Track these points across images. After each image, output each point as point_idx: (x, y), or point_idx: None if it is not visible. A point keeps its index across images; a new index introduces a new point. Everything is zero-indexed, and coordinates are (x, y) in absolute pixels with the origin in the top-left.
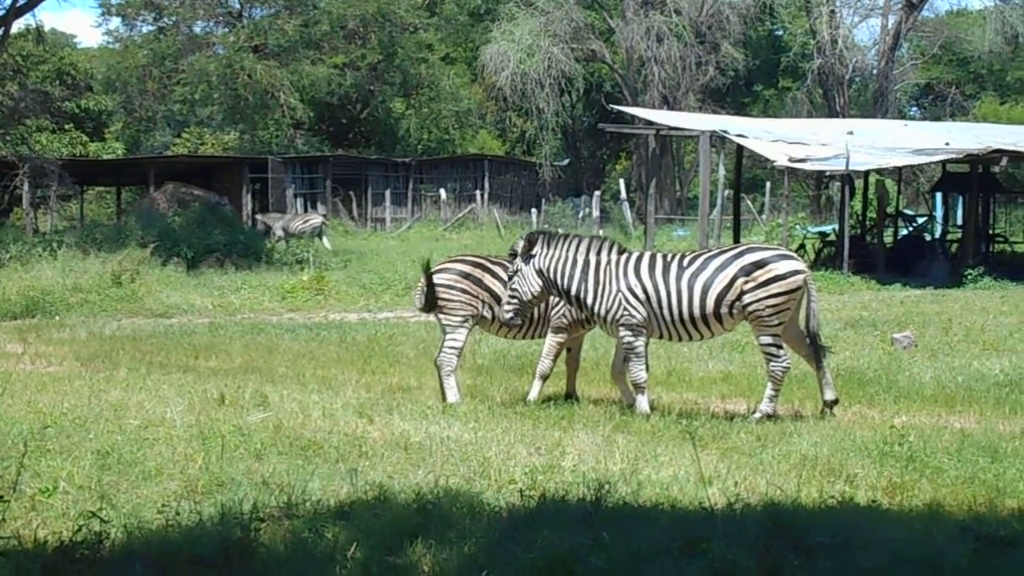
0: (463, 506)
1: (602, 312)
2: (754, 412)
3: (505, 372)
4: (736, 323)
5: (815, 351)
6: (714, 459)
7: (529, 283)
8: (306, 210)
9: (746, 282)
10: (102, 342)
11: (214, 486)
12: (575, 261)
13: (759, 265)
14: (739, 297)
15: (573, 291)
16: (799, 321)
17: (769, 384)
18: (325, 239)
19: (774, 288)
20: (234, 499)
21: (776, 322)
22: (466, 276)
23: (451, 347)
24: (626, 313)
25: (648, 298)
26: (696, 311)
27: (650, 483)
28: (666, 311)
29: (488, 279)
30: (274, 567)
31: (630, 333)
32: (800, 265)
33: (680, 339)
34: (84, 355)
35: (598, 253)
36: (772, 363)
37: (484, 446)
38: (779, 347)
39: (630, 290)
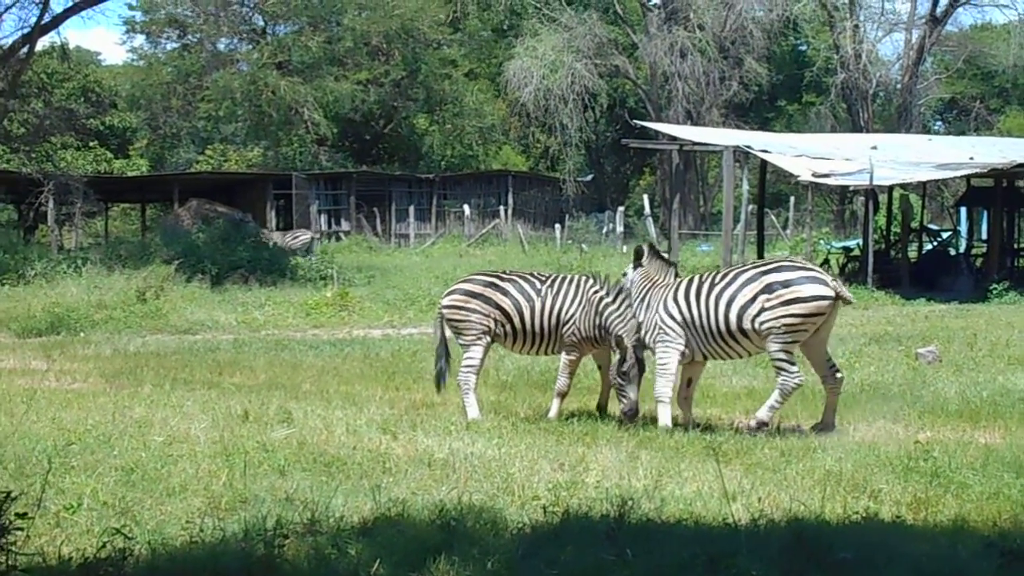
0: (486, 522)
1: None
2: (751, 418)
3: (529, 388)
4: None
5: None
6: (738, 475)
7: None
8: (330, 226)
9: (768, 299)
10: (126, 359)
11: (238, 503)
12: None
13: (785, 284)
14: (759, 312)
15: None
16: (824, 343)
17: (775, 392)
18: (312, 256)
19: (794, 309)
20: (258, 516)
21: (789, 340)
22: (475, 296)
23: (467, 366)
24: (661, 332)
25: (684, 317)
26: (722, 326)
27: (673, 499)
28: (697, 327)
29: (498, 296)
30: None
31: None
32: (827, 291)
33: (717, 356)
34: (109, 372)
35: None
36: (782, 376)
37: (508, 462)
38: (791, 363)
39: (667, 311)
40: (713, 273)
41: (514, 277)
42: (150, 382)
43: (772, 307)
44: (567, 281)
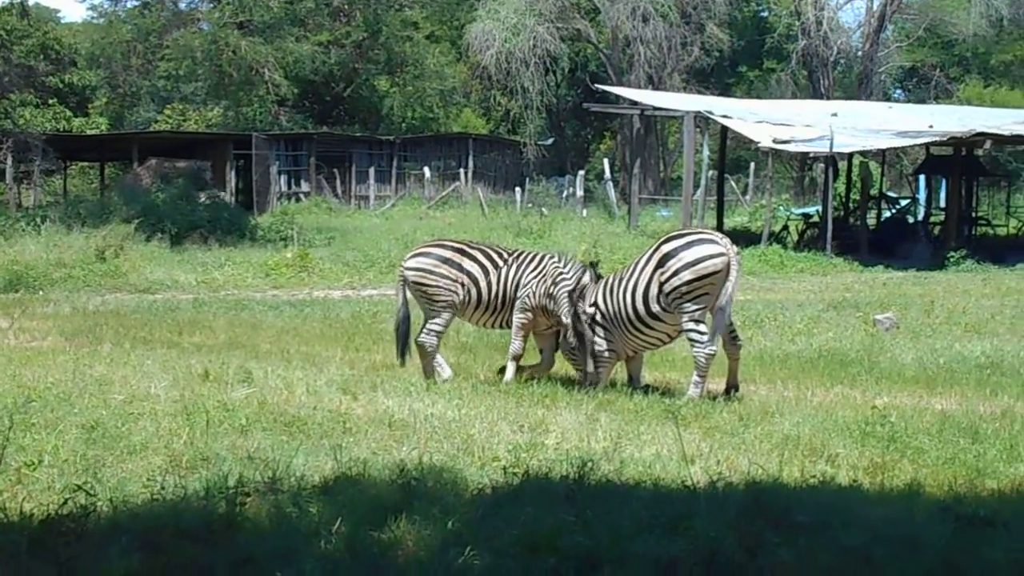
0: (447, 483)
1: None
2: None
3: (489, 350)
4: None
5: (718, 328)
6: (696, 438)
7: None
8: (290, 187)
9: (662, 274)
10: (86, 317)
11: (199, 461)
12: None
13: (670, 256)
14: (659, 290)
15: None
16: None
17: (694, 370)
18: None
19: (685, 275)
20: (219, 474)
21: (693, 308)
22: (445, 260)
23: (433, 329)
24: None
25: (604, 316)
26: (633, 316)
27: (633, 461)
28: (617, 324)
29: (468, 263)
30: (259, 541)
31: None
32: (716, 249)
33: (647, 347)
34: (68, 330)
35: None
36: (695, 349)
37: (468, 423)
38: (701, 333)
39: (591, 317)
40: (623, 267)
41: (480, 246)
42: (110, 341)
43: (666, 279)
44: (531, 255)
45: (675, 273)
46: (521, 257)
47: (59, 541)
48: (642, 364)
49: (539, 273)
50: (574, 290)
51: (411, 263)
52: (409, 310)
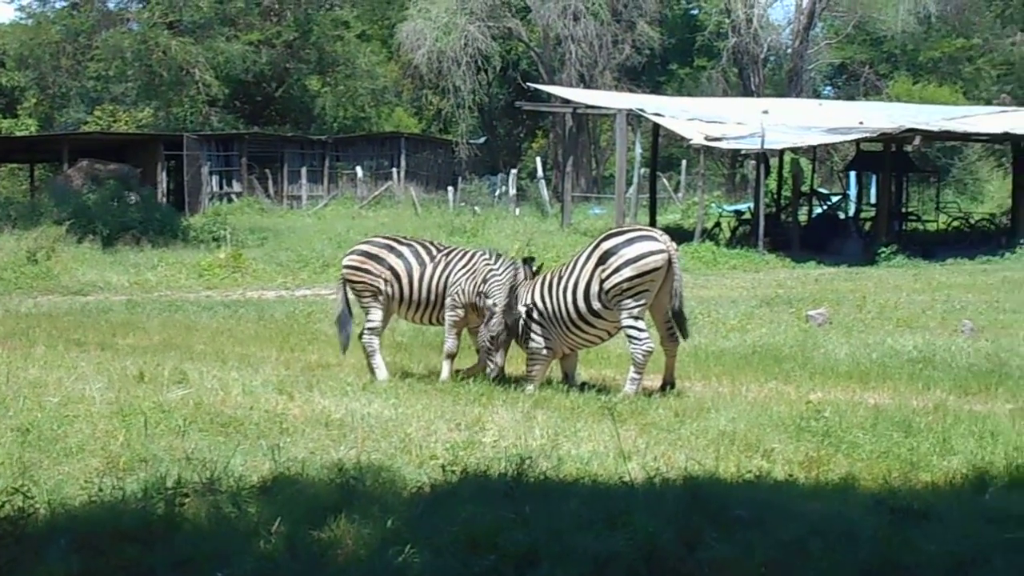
0: (385, 482)
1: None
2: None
3: (424, 349)
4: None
5: (678, 328)
6: (633, 434)
7: None
8: (222, 188)
9: (602, 271)
10: (18, 320)
11: (136, 462)
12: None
13: (611, 253)
14: (600, 287)
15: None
16: (668, 304)
17: (631, 366)
18: None
19: (626, 272)
20: (157, 475)
21: (633, 304)
22: (370, 256)
23: (369, 328)
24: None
25: (541, 315)
26: (574, 314)
27: (570, 458)
28: (556, 321)
29: (392, 258)
30: (198, 542)
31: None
32: (656, 245)
33: (585, 344)
34: (0, 333)
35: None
36: (632, 345)
37: (405, 422)
38: (640, 329)
39: (527, 314)
40: (561, 265)
41: (412, 242)
42: (42, 343)
43: (607, 276)
44: (463, 252)
45: (616, 270)
46: (452, 254)
47: None
48: (577, 362)
49: (470, 270)
50: (511, 286)
51: (344, 260)
52: (348, 308)
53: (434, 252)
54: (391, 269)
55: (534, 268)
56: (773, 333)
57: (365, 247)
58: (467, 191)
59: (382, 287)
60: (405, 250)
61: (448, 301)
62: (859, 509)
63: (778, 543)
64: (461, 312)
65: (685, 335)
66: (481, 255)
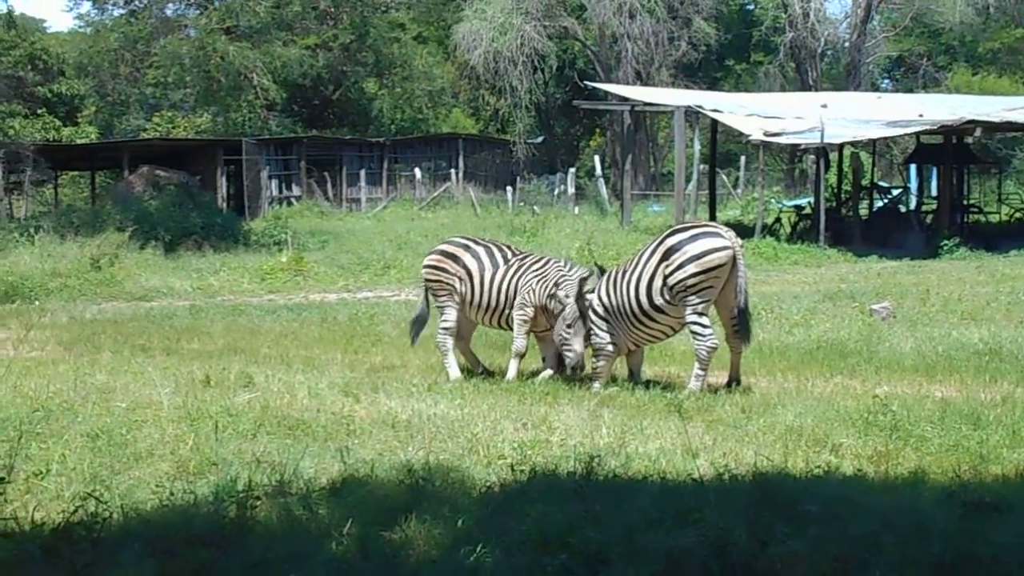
0: (454, 482)
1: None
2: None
3: (488, 349)
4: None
5: (742, 329)
6: (700, 431)
7: None
8: (281, 192)
9: (666, 267)
10: (83, 326)
11: (206, 466)
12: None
13: (675, 249)
14: (663, 283)
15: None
16: (730, 297)
17: (696, 363)
18: None
19: (691, 268)
20: (227, 479)
21: (698, 301)
22: (448, 256)
23: (443, 328)
24: (592, 334)
25: (607, 309)
26: (636, 309)
27: (638, 456)
28: (620, 317)
29: (468, 258)
30: (270, 544)
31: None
32: (721, 242)
33: (649, 341)
34: (66, 339)
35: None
36: (697, 342)
37: (471, 422)
38: (704, 326)
39: (592, 308)
40: (625, 261)
41: (489, 244)
42: (109, 349)
43: (671, 272)
44: (537, 258)
45: (680, 266)
46: (526, 259)
47: (73, 549)
48: (643, 359)
49: (542, 274)
50: (580, 289)
51: (424, 259)
52: (427, 309)
53: (508, 255)
54: (465, 268)
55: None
56: (837, 328)
57: (444, 246)
58: (526, 191)
59: (457, 286)
60: (481, 251)
61: (518, 300)
62: (930, 503)
63: (850, 538)
64: (530, 311)
65: (748, 338)
66: (555, 262)
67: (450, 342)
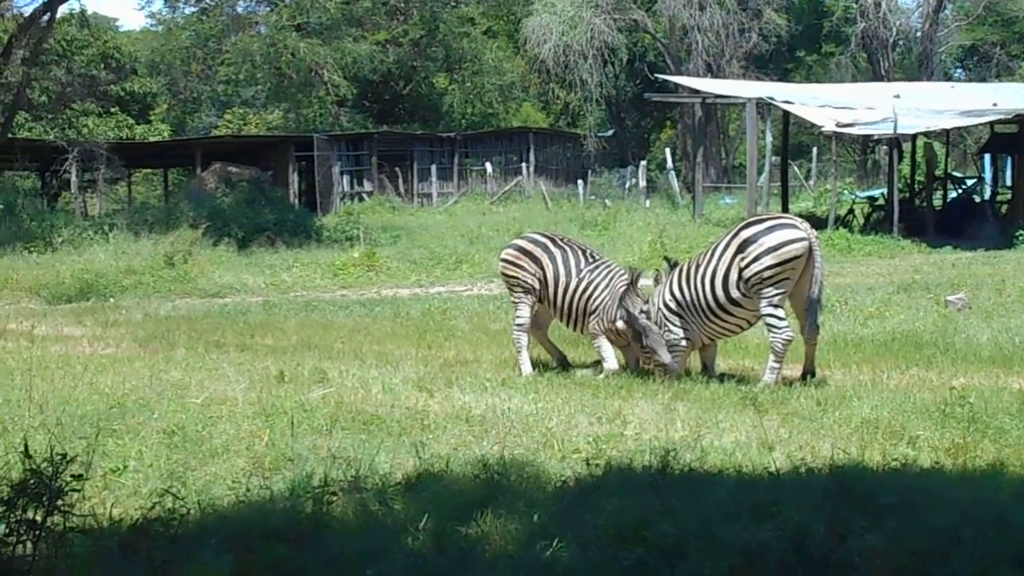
0: (529, 476)
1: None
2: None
3: (561, 344)
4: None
5: (811, 316)
6: (775, 424)
7: None
8: (352, 187)
9: (742, 259)
10: (158, 323)
11: (282, 462)
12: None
13: (751, 241)
14: (739, 275)
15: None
16: (805, 289)
17: (771, 355)
18: None
19: (767, 260)
20: (303, 474)
21: (773, 293)
22: (525, 253)
23: (517, 324)
24: (665, 329)
25: (680, 304)
26: (712, 303)
27: (713, 449)
28: (694, 311)
29: (545, 260)
30: (347, 540)
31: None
32: (797, 233)
33: (725, 334)
34: (141, 336)
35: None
36: (771, 334)
37: (545, 417)
38: (780, 318)
39: (665, 303)
40: (698, 254)
41: (567, 246)
42: (183, 346)
43: (747, 265)
44: (606, 270)
45: (756, 258)
46: (597, 270)
47: (151, 545)
48: (716, 353)
49: (611, 291)
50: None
51: (502, 253)
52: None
53: (582, 265)
54: (542, 270)
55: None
56: (912, 319)
57: (522, 243)
58: (597, 184)
59: (533, 285)
60: (559, 255)
61: (591, 328)
62: (1009, 495)
63: (929, 531)
64: (605, 341)
65: (816, 327)
66: (620, 275)
67: (524, 339)
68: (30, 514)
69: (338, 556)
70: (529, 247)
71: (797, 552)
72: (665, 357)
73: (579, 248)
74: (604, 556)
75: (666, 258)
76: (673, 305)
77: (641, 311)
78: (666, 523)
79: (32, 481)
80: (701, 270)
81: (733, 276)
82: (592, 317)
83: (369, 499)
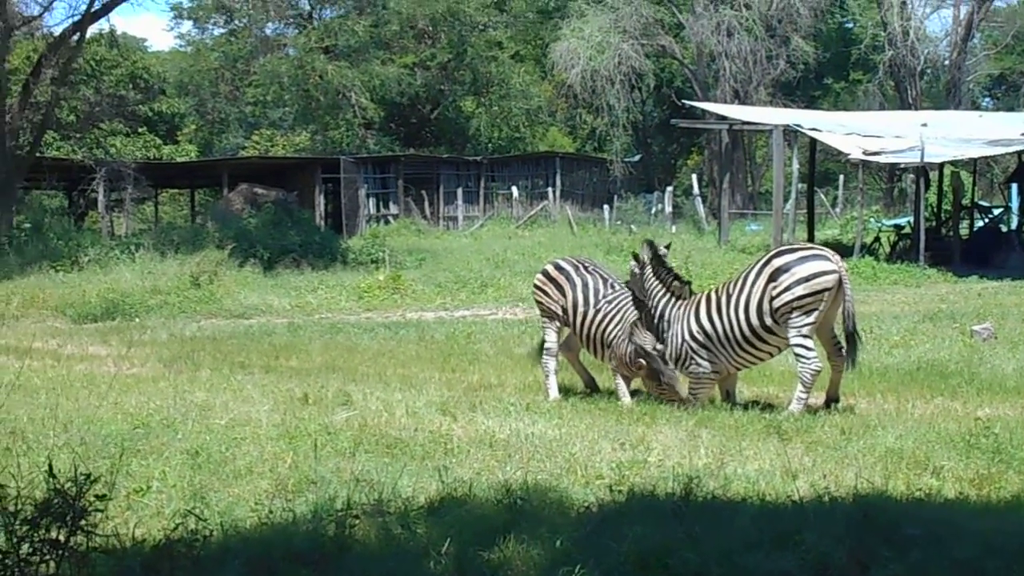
0: (552, 501)
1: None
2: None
3: (592, 368)
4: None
5: (850, 355)
6: (799, 453)
7: None
8: (378, 210)
9: (774, 287)
10: (183, 343)
11: (305, 484)
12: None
13: (782, 270)
14: (770, 304)
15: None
16: (835, 321)
17: (798, 384)
18: None
19: (798, 290)
20: (326, 497)
21: (803, 323)
22: (551, 279)
23: (545, 349)
24: (691, 361)
25: (709, 336)
26: (747, 332)
27: (737, 477)
28: (725, 342)
29: (568, 288)
30: (369, 563)
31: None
32: (829, 265)
33: (754, 363)
34: (166, 356)
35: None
36: (800, 364)
37: (569, 442)
38: (809, 348)
39: (691, 335)
40: (726, 283)
41: (591, 273)
42: (208, 366)
43: (779, 294)
44: (621, 301)
45: (788, 288)
46: (613, 303)
47: (173, 566)
48: (736, 379)
49: (622, 327)
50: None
51: (535, 277)
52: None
53: (601, 295)
54: (565, 297)
55: (689, 288)
56: (937, 348)
57: (549, 268)
58: (623, 209)
59: (558, 312)
60: (579, 282)
61: (611, 366)
62: None
63: (953, 562)
64: (624, 379)
65: (854, 362)
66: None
67: (552, 363)
68: (53, 534)
69: None
70: (554, 273)
71: None
72: (683, 392)
73: (602, 277)
74: None
75: (649, 242)
76: (701, 337)
77: (655, 349)
78: (688, 551)
79: (56, 501)
80: (732, 300)
81: (766, 305)
82: (607, 349)
83: (392, 523)
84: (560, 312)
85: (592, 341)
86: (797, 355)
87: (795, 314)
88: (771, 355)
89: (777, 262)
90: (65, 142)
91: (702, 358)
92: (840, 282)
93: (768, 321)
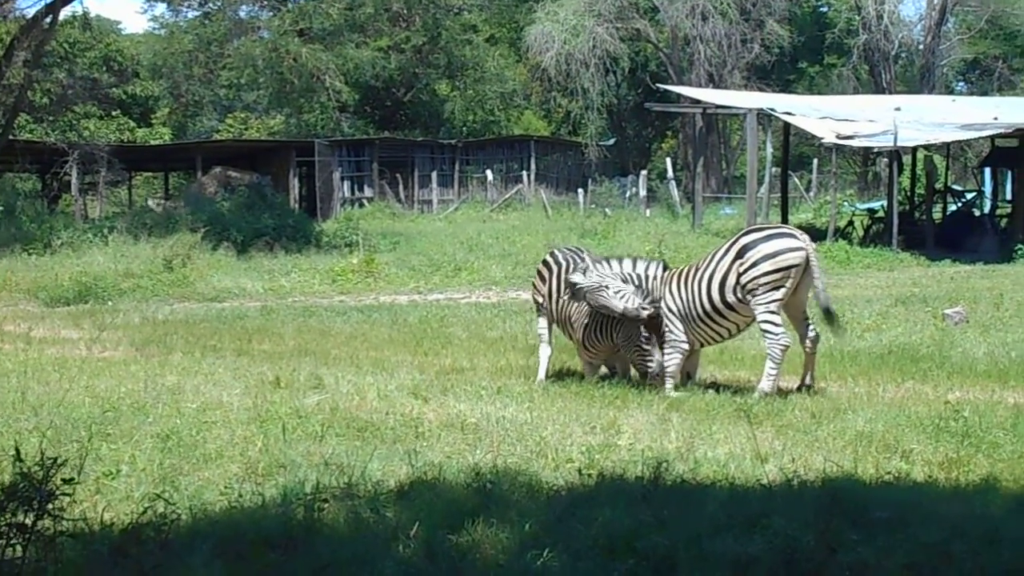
0: (522, 485)
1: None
2: (755, 391)
3: (557, 352)
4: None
5: (830, 325)
6: (769, 436)
7: None
8: (353, 193)
9: (740, 264)
10: (155, 327)
11: (274, 468)
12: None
13: (749, 247)
14: (736, 280)
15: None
16: (806, 304)
17: (768, 362)
18: None
19: (764, 266)
20: (295, 480)
21: (769, 300)
22: (538, 270)
23: (538, 333)
24: (667, 331)
25: (679, 309)
26: (707, 306)
27: (706, 461)
28: (690, 315)
29: (547, 274)
30: (338, 547)
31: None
32: (795, 243)
33: (713, 339)
34: (138, 340)
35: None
36: (768, 340)
37: (540, 426)
38: (776, 324)
39: (667, 307)
40: (697, 260)
41: (568, 261)
42: (180, 350)
43: (745, 270)
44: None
45: (754, 264)
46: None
47: (141, 550)
48: (698, 362)
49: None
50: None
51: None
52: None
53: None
54: (546, 286)
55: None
56: (909, 332)
57: (548, 258)
58: (597, 193)
59: (541, 301)
60: (556, 271)
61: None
62: (1001, 510)
63: (920, 545)
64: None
65: (839, 329)
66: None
67: (543, 351)
68: (20, 518)
69: (329, 563)
70: (540, 265)
71: (788, 565)
72: (657, 357)
73: (581, 256)
74: (594, 567)
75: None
76: (674, 307)
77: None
78: (657, 534)
79: (22, 485)
80: (699, 274)
81: (731, 281)
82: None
83: (361, 506)
84: (543, 300)
85: (565, 328)
86: (764, 331)
87: (761, 290)
88: (731, 332)
89: (744, 240)
90: (38, 125)
91: (678, 329)
92: (808, 260)
93: (730, 297)
